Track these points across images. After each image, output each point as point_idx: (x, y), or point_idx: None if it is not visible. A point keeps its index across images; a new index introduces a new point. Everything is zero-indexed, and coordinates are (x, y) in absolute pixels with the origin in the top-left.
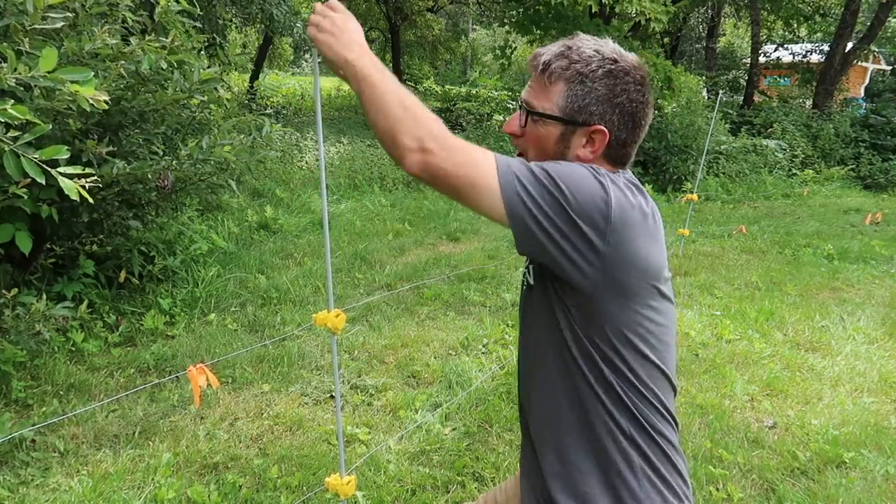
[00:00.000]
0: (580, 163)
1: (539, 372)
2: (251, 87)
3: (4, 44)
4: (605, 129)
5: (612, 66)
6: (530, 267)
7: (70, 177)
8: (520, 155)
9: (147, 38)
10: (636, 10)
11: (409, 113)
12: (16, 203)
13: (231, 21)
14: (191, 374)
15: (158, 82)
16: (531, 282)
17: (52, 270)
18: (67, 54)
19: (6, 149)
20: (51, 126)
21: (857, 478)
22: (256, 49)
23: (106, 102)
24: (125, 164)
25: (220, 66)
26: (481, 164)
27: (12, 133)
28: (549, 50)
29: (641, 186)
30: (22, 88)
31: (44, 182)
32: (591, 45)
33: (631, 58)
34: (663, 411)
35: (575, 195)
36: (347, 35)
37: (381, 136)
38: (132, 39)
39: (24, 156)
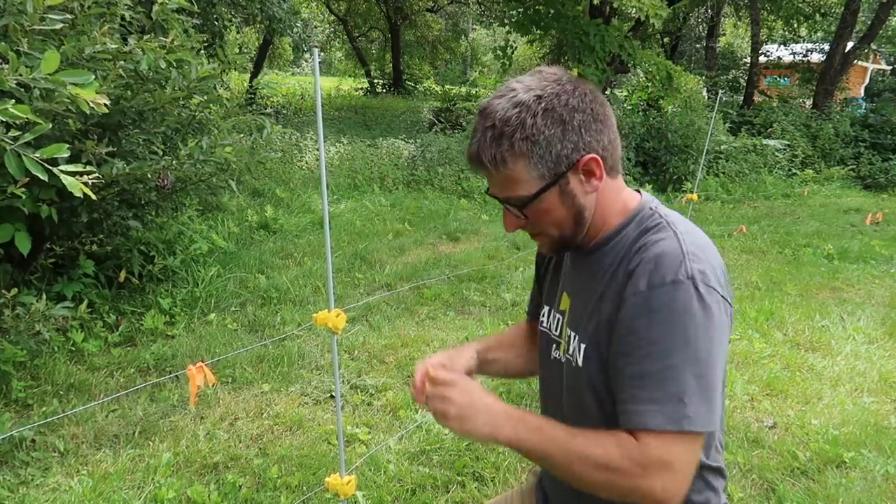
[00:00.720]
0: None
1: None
2: (251, 86)
3: (4, 44)
4: (590, 154)
5: (542, 104)
6: (579, 344)
7: (71, 174)
8: (535, 236)
9: (146, 37)
10: (634, 7)
11: (602, 467)
12: (15, 203)
13: (230, 21)
14: (190, 373)
15: (157, 81)
16: (579, 362)
17: (52, 270)
18: (67, 55)
19: (7, 148)
20: (50, 126)
21: (857, 478)
22: (256, 49)
23: (106, 105)
24: (125, 165)
25: (219, 65)
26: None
27: (13, 133)
28: (477, 143)
29: (726, 275)
30: (22, 89)
31: (46, 179)
32: (506, 104)
33: (545, 77)
34: (720, 446)
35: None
36: (476, 414)
37: (610, 495)
38: (130, 39)
39: (25, 155)
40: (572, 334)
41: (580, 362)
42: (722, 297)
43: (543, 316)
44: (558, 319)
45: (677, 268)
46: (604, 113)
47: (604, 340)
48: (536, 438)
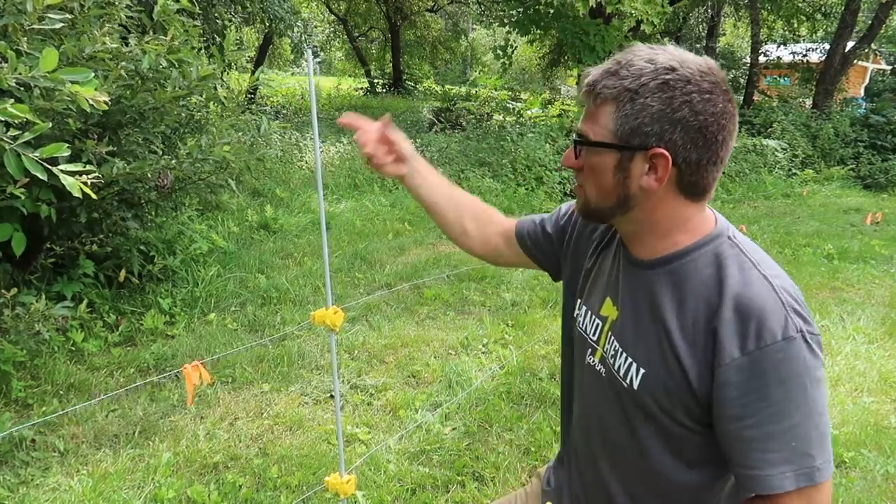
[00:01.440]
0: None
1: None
2: (251, 85)
3: (3, 42)
4: (665, 151)
5: (668, 77)
6: (635, 367)
7: (71, 174)
8: (577, 188)
9: (146, 37)
10: (629, 10)
11: None
12: (14, 203)
13: (230, 22)
14: (186, 372)
15: (158, 81)
16: (634, 385)
17: (51, 270)
18: (67, 55)
19: (7, 148)
20: (50, 125)
21: (856, 477)
22: (256, 49)
23: (106, 103)
24: (125, 164)
25: (219, 65)
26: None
27: (12, 132)
28: (598, 69)
29: (821, 341)
30: (21, 88)
31: (45, 179)
32: (644, 56)
33: (697, 63)
34: None
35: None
36: None
37: None
38: (131, 39)
39: (24, 154)
40: (620, 350)
41: (635, 386)
42: (819, 337)
43: (578, 313)
44: (597, 325)
45: (784, 323)
46: (714, 133)
47: (677, 377)
48: None
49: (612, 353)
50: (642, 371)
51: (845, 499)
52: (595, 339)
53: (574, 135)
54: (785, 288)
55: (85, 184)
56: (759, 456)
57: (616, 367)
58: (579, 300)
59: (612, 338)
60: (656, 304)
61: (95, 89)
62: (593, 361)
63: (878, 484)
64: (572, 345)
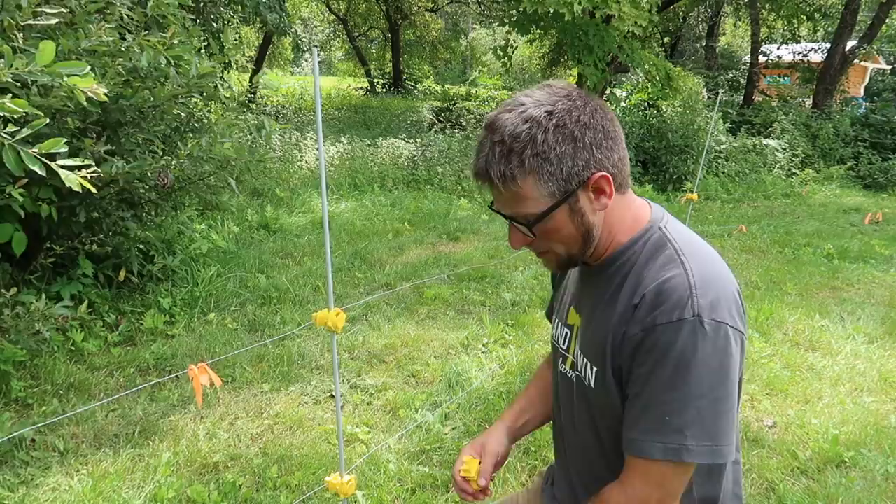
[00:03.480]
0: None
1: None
2: (251, 85)
3: None
4: (601, 172)
5: (554, 120)
6: (591, 366)
7: (70, 169)
8: (541, 254)
9: (144, 34)
10: (615, 12)
11: None
12: (13, 203)
13: (228, 22)
14: (191, 373)
15: (157, 78)
16: (591, 383)
17: (51, 270)
18: (64, 51)
19: (6, 143)
20: (48, 120)
21: (856, 477)
22: (256, 49)
23: (106, 95)
24: (124, 164)
25: (219, 64)
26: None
27: (10, 128)
28: (485, 158)
29: (740, 296)
30: (19, 85)
31: (44, 175)
32: (517, 119)
33: (555, 93)
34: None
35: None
36: None
37: None
38: (128, 36)
39: (23, 150)
40: (581, 354)
41: (592, 384)
42: (731, 327)
43: (554, 326)
44: (566, 334)
45: (684, 304)
46: (614, 130)
47: (611, 368)
48: None
49: (578, 357)
50: (595, 369)
51: (845, 499)
52: (565, 347)
53: (510, 221)
54: (702, 275)
55: (85, 178)
56: (638, 423)
57: (581, 371)
58: (555, 315)
59: (578, 344)
60: (600, 303)
61: (94, 82)
62: (564, 369)
63: (878, 484)
64: (553, 360)
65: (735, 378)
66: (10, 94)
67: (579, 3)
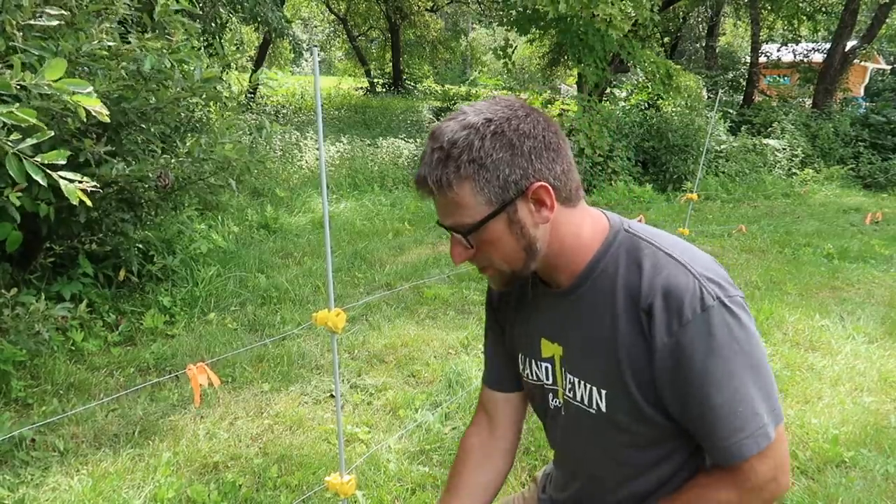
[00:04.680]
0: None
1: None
2: (251, 85)
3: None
4: (540, 182)
5: (492, 127)
6: (597, 390)
7: (70, 180)
8: (483, 269)
9: (146, 36)
10: (607, 16)
11: None
12: (10, 207)
13: (228, 22)
14: (190, 372)
15: (160, 81)
16: (601, 408)
17: (51, 270)
18: (64, 53)
19: (9, 151)
20: (52, 134)
21: (856, 477)
22: (256, 49)
23: (107, 116)
24: (124, 165)
25: (220, 66)
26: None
27: (14, 136)
28: (426, 166)
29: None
30: (20, 87)
31: (46, 185)
32: (456, 127)
33: (498, 103)
34: None
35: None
36: None
37: None
38: (131, 38)
39: (26, 159)
40: (577, 380)
41: (603, 408)
42: (740, 297)
43: (524, 368)
44: (547, 368)
45: (700, 294)
46: (557, 142)
47: (634, 383)
48: None
49: (570, 387)
50: (604, 392)
51: (845, 498)
52: (551, 382)
53: (450, 232)
54: (693, 260)
55: (84, 191)
56: (715, 430)
57: (579, 399)
58: (520, 355)
59: (566, 373)
60: (592, 323)
61: (98, 100)
62: (559, 404)
63: (878, 484)
64: (535, 400)
65: (759, 338)
66: (16, 104)
67: (566, 2)
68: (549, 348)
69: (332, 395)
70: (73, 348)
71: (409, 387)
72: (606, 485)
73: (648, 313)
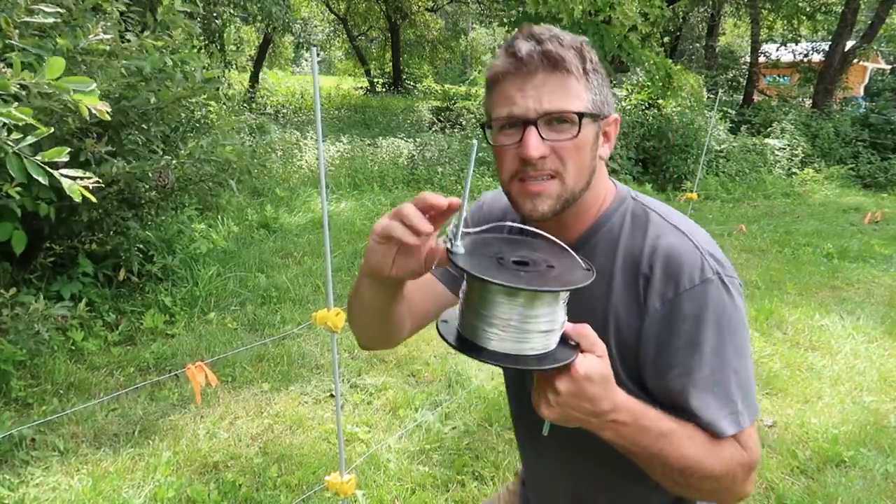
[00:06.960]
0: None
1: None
2: (251, 85)
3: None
4: (615, 115)
5: (592, 51)
6: None
7: (72, 178)
8: (548, 178)
9: (146, 34)
10: (614, 16)
11: (713, 478)
12: (12, 203)
13: (228, 22)
14: (189, 372)
15: (161, 81)
16: None
17: (51, 269)
18: (62, 51)
19: (9, 151)
20: (52, 130)
21: (856, 476)
22: (256, 48)
23: (108, 113)
24: (125, 164)
25: (219, 66)
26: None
27: (15, 135)
28: (553, 45)
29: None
30: (19, 87)
31: (46, 184)
32: (559, 31)
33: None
34: None
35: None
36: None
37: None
38: (130, 37)
39: (26, 157)
40: None
41: None
42: (738, 281)
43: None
44: None
45: (701, 265)
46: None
47: (617, 350)
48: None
49: None
50: None
51: (845, 498)
52: None
53: (544, 118)
54: (696, 233)
55: (86, 188)
56: (709, 401)
57: None
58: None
59: None
60: (595, 289)
61: (98, 98)
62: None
63: (877, 483)
64: (513, 377)
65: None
66: (15, 103)
67: (580, 5)
68: None
69: (331, 395)
70: (72, 348)
71: (409, 386)
72: (589, 473)
73: (647, 277)
